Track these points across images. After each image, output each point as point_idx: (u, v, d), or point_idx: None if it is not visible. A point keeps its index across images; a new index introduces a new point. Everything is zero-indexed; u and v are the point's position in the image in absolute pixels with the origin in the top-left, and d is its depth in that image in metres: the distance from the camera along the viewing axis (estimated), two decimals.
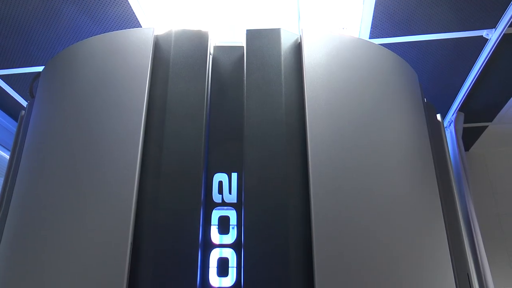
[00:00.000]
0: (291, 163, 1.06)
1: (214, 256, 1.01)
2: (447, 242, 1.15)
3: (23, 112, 1.47)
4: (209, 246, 1.02)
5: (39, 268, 0.98)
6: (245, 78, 1.15)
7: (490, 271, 1.87)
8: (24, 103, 2.11)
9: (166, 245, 0.98)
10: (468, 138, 2.34)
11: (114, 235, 0.98)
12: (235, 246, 1.02)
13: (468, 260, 1.25)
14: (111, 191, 1.02)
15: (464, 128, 2.19)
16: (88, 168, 1.06)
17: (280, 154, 1.06)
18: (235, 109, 1.14)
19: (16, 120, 2.22)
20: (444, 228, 1.18)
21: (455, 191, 1.36)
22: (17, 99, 2.09)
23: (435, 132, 1.42)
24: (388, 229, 1.04)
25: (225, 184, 1.06)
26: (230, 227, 1.03)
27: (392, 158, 1.14)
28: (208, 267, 1.00)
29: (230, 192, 1.05)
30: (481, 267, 1.84)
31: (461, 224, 1.30)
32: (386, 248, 1.02)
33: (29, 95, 1.53)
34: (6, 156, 2.22)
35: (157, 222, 1.00)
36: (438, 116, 1.52)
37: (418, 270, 1.04)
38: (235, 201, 1.04)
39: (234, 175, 1.07)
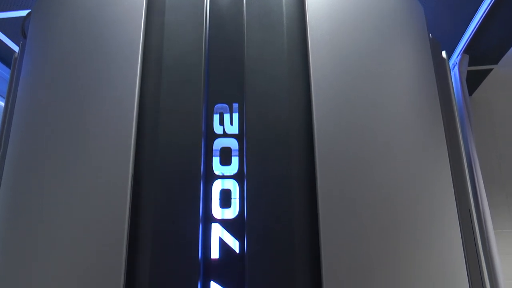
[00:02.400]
0: (293, 92, 1.03)
1: (216, 187, 1.00)
2: (451, 179, 1.14)
3: (16, 54, 1.42)
4: (211, 177, 1.00)
5: (39, 206, 0.97)
6: (244, 9, 1.10)
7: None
8: (16, 48, 2.05)
9: (167, 178, 0.97)
10: (472, 82, 2.30)
11: (115, 169, 0.96)
12: (237, 177, 1.00)
13: (470, 198, 1.25)
14: (110, 127, 0.99)
15: (468, 72, 2.14)
16: (86, 107, 1.03)
17: (281, 83, 1.03)
18: (235, 40, 1.09)
19: (9, 66, 2.17)
20: (448, 164, 1.17)
21: (458, 128, 1.34)
22: (9, 44, 2.03)
23: (440, 69, 1.38)
24: (390, 163, 1.03)
25: (226, 115, 1.04)
26: (232, 157, 1.01)
27: (396, 90, 1.11)
28: (211, 199, 0.99)
29: (231, 123, 1.03)
30: (480, 208, 1.85)
31: (464, 164, 1.29)
32: (389, 180, 1.01)
33: (21, 35, 1.48)
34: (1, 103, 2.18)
35: (157, 155, 0.98)
36: (443, 53, 1.47)
37: (421, 205, 1.03)
38: (237, 132, 1.02)
39: (235, 106, 1.04)
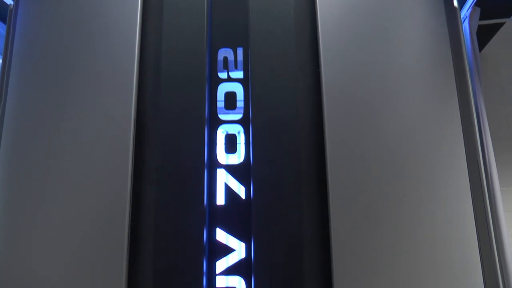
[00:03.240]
0: (300, 37, 0.98)
1: (221, 134, 0.97)
2: (461, 130, 1.10)
3: (11, 5, 1.36)
4: (215, 122, 0.98)
5: (40, 164, 0.94)
6: None
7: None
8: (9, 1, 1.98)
9: (171, 123, 0.94)
10: (481, 37, 2.22)
11: (118, 112, 0.93)
12: (242, 122, 0.98)
13: (478, 150, 1.21)
14: (111, 74, 0.96)
15: (478, 26, 2.06)
16: (86, 49, 0.98)
17: (287, 26, 0.98)
18: None
19: (4, 22, 2.10)
20: (459, 117, 1.12)
21: (469, 81, 1.29)
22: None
23: (451, 18, 1.32)
24: (400, 112, 0.99)
25: (231, 60, 1.00)
26: (237, 102, 0.98)
27: (407, 40, 1.06)
28: (216, 144, 0.97)
29: (236, 68, 0.99)
30: (487, 163, 1.83)
31: (474, 119, 1.25)
32: (397, 129, 0.98)
33: None
34: None
35: (161, 100, 0.95)
36: (455, 2, 1.41)
37: (430, 158, 1.00)
38: (242, 77, 0.99)
39: (240, 50, 1.00)
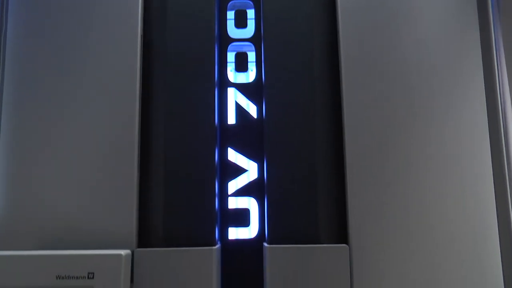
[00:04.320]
0: None
1: (232, 53, 0.93)
2: (481, 61, 1.03)
3: None
4: (225, 41, 0.93)
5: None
6: None
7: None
8: None
9: (180, 42, 0.89)
10: None
11: (124, 29, 0.89)
12: (253, 40, 0.93)
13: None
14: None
15: None
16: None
17: None
18: None
19: None
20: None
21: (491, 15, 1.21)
22: None
23: None
24: (418, 36, 0.93)
25: None
26: (248, 20, 0.93)
27: None
28: (226, 62, 0.93)
29: None
30: (501, 100, 1.77)
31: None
32: (414, 52, 0.92)
33: None
34: None
35: (167, 18, 0.90)
36: None
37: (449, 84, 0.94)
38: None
39: None
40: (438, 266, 0.83)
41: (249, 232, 0.88)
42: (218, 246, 0.83)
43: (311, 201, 0.85)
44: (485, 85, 0.91)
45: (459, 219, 0.84)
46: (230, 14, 0.94)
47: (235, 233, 0.88)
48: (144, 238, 0.84)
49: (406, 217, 0.84)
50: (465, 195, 0.85)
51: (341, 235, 0.84)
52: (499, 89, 0.93)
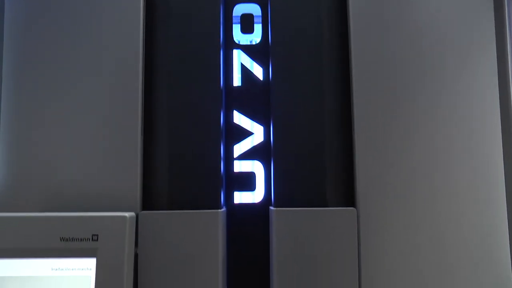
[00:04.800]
0: None
1: (237, 14, 0.90)
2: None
3: None
4: (231, 1, 0.90)
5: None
6: None
7: None
8: None
9: (183, 4, 0.86)
10: None
11: None
12: (259, 0, 0.90)
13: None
14: None
15: None
16: None
17: None
18: None
19: None
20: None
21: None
22: None
23: None
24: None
25: None
26: None
27: None
28: (232, 23, 0.90)
29: None
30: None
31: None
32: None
33: None
34: None
35: None
36: None
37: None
38: None
39: None
40: (446, 230, 0.82)
41: (255, 196, 0.87)
42: (223, 209, 0.82)
43: (318, 164, 0.83)
44: (497, 51, 0.89)
45: (469, 182, 0.83)
46: None
47: (240, 197, 0.87)
48: (148, 202, 0.83)
49: (415, 180, 0.82)
50: (475, 158, 0.84)
51: (348, 198, 0.83)
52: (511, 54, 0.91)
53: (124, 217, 0.76)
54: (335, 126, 0.85)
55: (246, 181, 0.87)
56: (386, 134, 0.83)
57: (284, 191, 0.83)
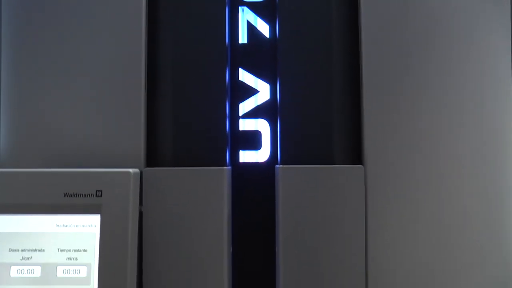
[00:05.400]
0: None
1: None
2: None
3: None
4: None
5: None
6: None
7: None
8: None
9: None
10: None
11: None
12: None
13: None
14: None
15: None
16: None
17: None
18: None
19: None
20: None
21: None
22: None
23: None
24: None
25: None
26: None
27: None
28: None
29: None
30: None
31: None
32: None
33: None
34: None
35: None
36: None
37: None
38: None
39: None
40: (455, 189, 0.81)
41: (260, 155, 0.85)
42: (229, 167, 0.81)
43: (325, 122, 0.82)
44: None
45: (476, 140, 0.82)
46: None
47: (246, 156, 0.85)
48: (153, 159, 0.81)
49: (423, 139, 0.81)
50: (483, 120, 0.82)
51: (356, 157, 0.82)
52: None
53: (128, 173, 0.75)
54: (343, 84, 0.83)
55: (252, 140, 0.85)
56: (395, 92, 0.81)
57: (290, 149, 0.81)
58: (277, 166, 0.81)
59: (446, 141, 0.81)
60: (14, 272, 0.74)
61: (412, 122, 0.81)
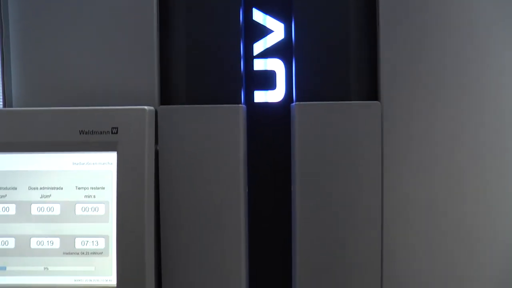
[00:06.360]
0: None
1: None
2: None
3: None
4: None
5: None
6: None
7: None
8: None
9: None
10: None
11: None
12: None
13: None
14: None
15: None
16: None
17: None
18: None
19: None
20: None
21: None
22: None
23: None
24: None
25: None
26: None
27: None
28: None
29: None
30: None
31: None
32: None
33: None
34: None
35: None
36: None
37: None
38: None
39: None
40: (472, 125, 0.80)
41: (275, 95, 0.85)
42: (244, 106, 0.80)
43: (341, 58, 0.80)
44: None
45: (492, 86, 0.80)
46: None
47: (260, 96, 0.84)
48: (167, 98, 0.81)
49: (442, 75, 0.79)
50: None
51: (373, 94, 0.80)
52: None
53: (144, 109, 0.75)
54: (359, 19, 0.81)
55: (266, 80, 0.84)
56: (412, 27, 0.79)
57: (306, 86, 0.80)
58: (292, 104, 0.80)
59: (466, 82, 0.79)
60: (34, 210, 0.75)
61: (431, 58, 0.79)
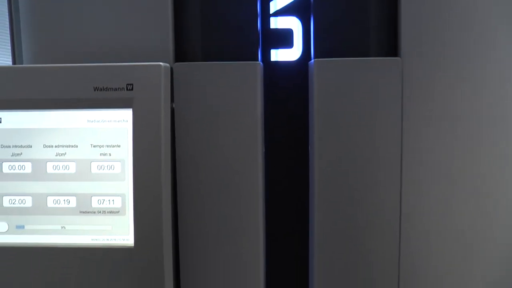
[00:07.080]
0: None
1: None
2: None
3: None
4: None
5: None
6: None
7: None
8: None
9: None
10: None
11: None
12: None
13: None
14: None
15: None
16: None
17: None
18: None
19: None
20: None
21: None
22: None
23: None
24: None
25: None
26: None
27: None
28: None
29: None
30: None
31: None
32: None
33: None
34: None
35: None
36: None
37: None
38: None
39: None
40: (496, 83, 0.78)
41: (292, 53, 0.83)
42: (261, 63, 0.79)
43: (361, 14, 0.78)
44: None
45: None
46: None
47: (277, 54, 0.83)
48: (182, 55, 0.79)
49: (464, 32, 0.77)
50: None
51: (392, 50, 0.78)
52: None
53: (159, 65, 0.73)
54: None
55: (283, 38, 0.82)
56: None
57: (324, 43, 0.78)
58: (311, 61, 0.78)
59: (487, 43, 0.77)
60: (50, 168, 0.74)
61: (453, 13, 0.77)
